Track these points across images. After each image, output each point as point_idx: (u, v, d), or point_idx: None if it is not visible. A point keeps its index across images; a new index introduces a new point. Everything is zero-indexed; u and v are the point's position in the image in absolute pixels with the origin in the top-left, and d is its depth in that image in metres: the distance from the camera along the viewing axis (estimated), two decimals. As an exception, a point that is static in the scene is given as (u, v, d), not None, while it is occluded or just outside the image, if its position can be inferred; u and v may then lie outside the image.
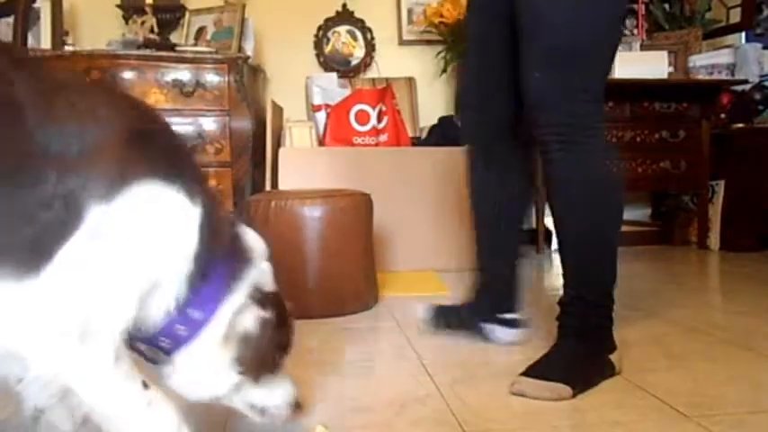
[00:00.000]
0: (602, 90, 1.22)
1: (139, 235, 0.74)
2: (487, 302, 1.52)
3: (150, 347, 0.84)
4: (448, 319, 1.55)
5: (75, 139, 0.70)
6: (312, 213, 1.79)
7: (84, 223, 0.70)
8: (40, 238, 0.68)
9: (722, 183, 3.16)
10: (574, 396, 1.13)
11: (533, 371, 1.18)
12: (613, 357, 1.24)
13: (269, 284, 0.95)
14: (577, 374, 1.17)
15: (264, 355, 0.90)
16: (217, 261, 0.83)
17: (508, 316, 1.50)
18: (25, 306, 0.68)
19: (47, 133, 0.68)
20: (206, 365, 0.85)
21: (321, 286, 1.80)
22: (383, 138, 2.75)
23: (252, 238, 0.93)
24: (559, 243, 1.32)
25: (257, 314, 0.88)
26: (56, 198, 0.68)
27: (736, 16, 3.29)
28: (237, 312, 0.86)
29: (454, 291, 2.16)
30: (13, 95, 0.68)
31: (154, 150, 0.77)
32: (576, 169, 1.21)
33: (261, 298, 0.90)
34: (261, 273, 0.93)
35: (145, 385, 0.77)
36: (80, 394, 0.73)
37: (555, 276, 2.48)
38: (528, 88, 1.22)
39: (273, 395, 0.94)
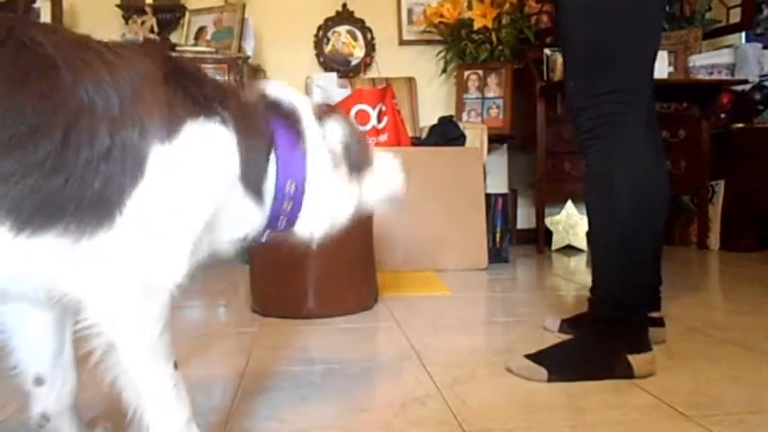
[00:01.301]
0: (640, 85, 1.26)
1: (198, 173, 0.77)
2: None
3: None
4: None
5: (114, 90, 0.71)
6: (312, 213, 1.79)
7: (146, 171, 0.72)
8: (105, 192, 0.70)
9: (722, 183, 3.16)
10: (549, 381, 1.19)
11: (534, 353, 1.25)
12: (635, 358, 1.22)
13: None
14: (564, 363, 1.21)
15: (364, 150, 1.00)
16: (267, 145, 0.85)
17: (654, 315, 1.47)
18: (97, 257, 0.71)
19: (88, 89, 0.69)
20: (330, 199, 0.95)
21: (321, 286, 1.80)
22: (383, 138, 2.75)
23: (286, 98, 0.92)
24: (591, 236, 1.33)
25: (336, 129, 0.93)
26: (113, 150, 0.69)
27: (736, 16, 3.29)
28: (322, 145, 0.91)
29: (454, 291, 2.16)
30: (48, 57, 0.68)
31: (187, 86, 0.78)
32: (611, 164, 1.24)
33: (327, 119, 0.94)
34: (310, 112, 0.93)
35: (175, 365, 0.80)
36: (123, 351, 0.75)
37: (555, 276, 2.48)
38: (567, 95, 1.31)
39: (386, 180, 1.08)
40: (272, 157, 0.86)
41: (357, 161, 0.97)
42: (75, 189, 0.67)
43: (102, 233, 0.71)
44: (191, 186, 0.77)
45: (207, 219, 0.80)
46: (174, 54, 0.83)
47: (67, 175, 0.67)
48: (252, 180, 0.84)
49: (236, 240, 0.90)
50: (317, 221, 0.97)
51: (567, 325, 1.55)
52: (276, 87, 0.92)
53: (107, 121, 0.69)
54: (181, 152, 0.75)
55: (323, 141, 0.91)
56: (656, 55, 1.29)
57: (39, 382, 0.89)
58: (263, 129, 0.86)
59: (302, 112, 0.91)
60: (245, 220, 0.87)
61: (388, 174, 1.08)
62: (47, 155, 0.65)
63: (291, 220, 0.93)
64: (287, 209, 0.90)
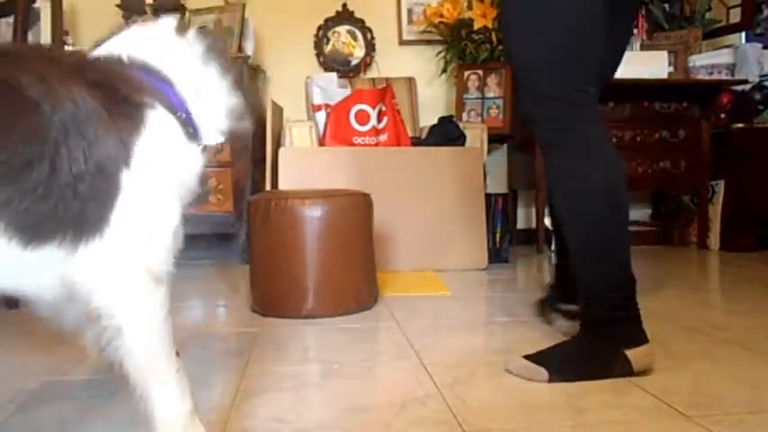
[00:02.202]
0: (577, 93, 1.29)
1: (162, 169, 0.91)
2: (558, 293, 1.62)
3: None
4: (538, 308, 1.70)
5: (82, 116, 0.80)
6: (312, 213, 1.79)
7: (122, 185, 0.83)
8: (88, 209, 0.81)
9: (722, 183, 3.16)
10: (550, 381, 1.20)
11: (533, 354, 1.26)
12: (633, 353, 1.23)
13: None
14: (563, 363, 1.23)
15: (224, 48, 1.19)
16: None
17: (571, 307, 1.51)
18: (98, 257, 0.82)
19: (64, 121, 0.78)
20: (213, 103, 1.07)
21: (321, 286, 1.80)
22: (383, 138, 2.75)
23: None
24: (569, 241, 1.35)
25: (195, 47, 1.06)
26: (88, 172, 0.80)
27: (736, 16, 3.29)
28: (192, 71, 1.04)
29: (454, 291, 2.16)
30: (30, 98, 0.77)
31: (115, 92, 0.88)
32: (560, 168, 1.29)
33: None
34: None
35: (177, 354, 0.89)
36: (129, 334, 0.84)
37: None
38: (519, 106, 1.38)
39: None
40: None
41: (222, 55, 1.11)
42: (62, 210, 0.78)
43: (98, 239, 0.82)
44: (161, 185, 0.90)
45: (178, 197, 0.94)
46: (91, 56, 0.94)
47: (55, 199, 0.77)
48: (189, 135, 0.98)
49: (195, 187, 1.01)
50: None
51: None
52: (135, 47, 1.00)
53: (81, 147, 0.79)
54: (143, 158, 0.86)
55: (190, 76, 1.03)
56: (599, 49, 1.31)
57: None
58: (155, 90, 0.95)
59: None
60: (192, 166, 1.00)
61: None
62: (37, 184, 0.76)
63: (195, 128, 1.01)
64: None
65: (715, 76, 3.12)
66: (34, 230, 0.77)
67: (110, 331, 0.84)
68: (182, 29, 1.07)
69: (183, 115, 0.97)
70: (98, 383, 1.25)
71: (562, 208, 1.32)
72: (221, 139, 1.12)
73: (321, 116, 2.82)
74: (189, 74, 1.02)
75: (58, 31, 2.95)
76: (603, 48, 1.32)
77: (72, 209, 0.79)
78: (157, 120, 0.91)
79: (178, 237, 0.92)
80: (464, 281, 2.36)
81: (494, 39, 3.16)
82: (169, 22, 1.08)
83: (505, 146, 3.39)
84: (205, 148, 1.05)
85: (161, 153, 0.91)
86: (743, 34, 3.42)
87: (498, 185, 3.24)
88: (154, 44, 1.02)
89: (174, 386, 0.88)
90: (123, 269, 0.84)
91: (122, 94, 0.88)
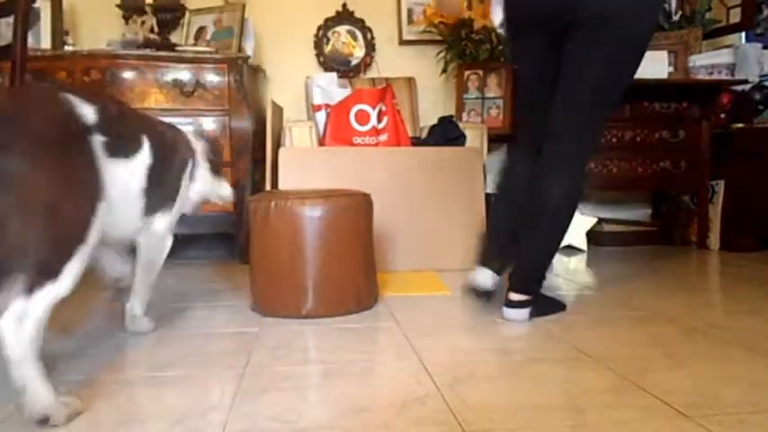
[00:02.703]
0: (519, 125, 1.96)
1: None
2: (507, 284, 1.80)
3: None
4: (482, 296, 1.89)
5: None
6: (312, 213, 1.79)
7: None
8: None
9: (722, 183, 3.16)
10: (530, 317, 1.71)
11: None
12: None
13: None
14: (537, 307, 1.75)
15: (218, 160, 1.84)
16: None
17: (518, 297, 1.75)
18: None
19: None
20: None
21: (321, 286, 1.80)
22: (383, 138, 2.75)
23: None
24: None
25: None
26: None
27: (736, 16, 3.29)
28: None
29: (454, 291, 2.16)
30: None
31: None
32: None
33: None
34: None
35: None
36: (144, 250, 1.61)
37: (555, 276, 2.48)
38: None
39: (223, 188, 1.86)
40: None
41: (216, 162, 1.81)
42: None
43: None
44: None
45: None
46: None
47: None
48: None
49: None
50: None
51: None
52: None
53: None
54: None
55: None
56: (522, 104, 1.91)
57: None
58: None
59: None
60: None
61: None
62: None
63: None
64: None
65: (715, 76, 3.12)
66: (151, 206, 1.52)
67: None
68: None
69: None
70: (98, 383, 1.25)
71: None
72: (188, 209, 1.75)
73: (321, 116, 2.82)
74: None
75: (58, 31, 2.96)
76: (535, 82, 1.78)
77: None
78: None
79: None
80: (464, 281, 2.36)
81: (494, 39, 3.16)
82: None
83: (505, 146, 3.39)
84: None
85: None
86: (743, 34, 3.42)
87: (498, 185, 3.23)
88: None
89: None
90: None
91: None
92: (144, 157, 1.40)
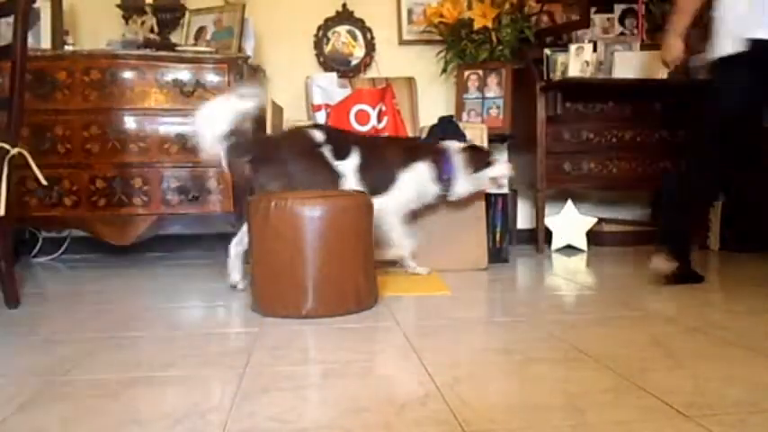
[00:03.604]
0: None
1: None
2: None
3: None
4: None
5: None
6: (312, 213, 1.79)
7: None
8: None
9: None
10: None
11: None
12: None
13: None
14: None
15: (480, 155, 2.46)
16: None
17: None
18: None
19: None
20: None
21: (321, 286, 1.80)
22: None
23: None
24: None
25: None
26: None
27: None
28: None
29: (454, 291, 2.16)
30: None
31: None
32: None
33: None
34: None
35: None
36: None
37: (555, 276, 2.48)
38: None
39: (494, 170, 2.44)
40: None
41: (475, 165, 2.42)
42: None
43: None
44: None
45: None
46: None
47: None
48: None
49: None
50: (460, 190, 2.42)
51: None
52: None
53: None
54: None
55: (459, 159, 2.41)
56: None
57: None
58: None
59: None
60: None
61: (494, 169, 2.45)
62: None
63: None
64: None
65: (715, 76, 3.12)
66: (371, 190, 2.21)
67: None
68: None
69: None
70: (98, 383, 1.25)
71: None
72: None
73: (321, 116, 2.82)
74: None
75: (58, 31, 2.96)
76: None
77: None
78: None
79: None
80: (464, 281, 2.36)
81: (494, 39, 3.16)
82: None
83: (505, 146, 3.39)
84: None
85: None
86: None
87: (498, 185, 3.23)
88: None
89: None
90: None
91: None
92: (353, 158, 2.26)
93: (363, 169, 2.28)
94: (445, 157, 2.39)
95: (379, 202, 2.19)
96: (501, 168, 2.45)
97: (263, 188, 2.10)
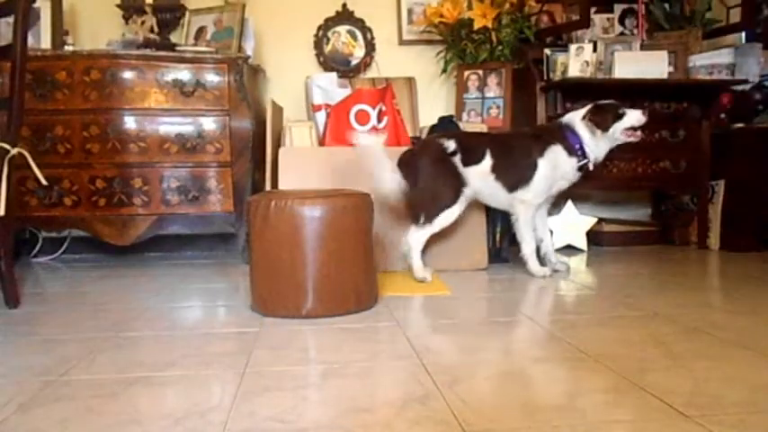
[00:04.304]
0: None
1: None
2: None
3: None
4: None
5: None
6: (312, 213, 1.79)
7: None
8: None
9: (722, 183, 3.16)
10: None
11: None
12: None
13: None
14: None
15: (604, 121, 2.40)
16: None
17: None
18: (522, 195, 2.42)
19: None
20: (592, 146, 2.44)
21: (321, 286, 1.80)
22: (383, 138, 2.75)
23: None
24: None
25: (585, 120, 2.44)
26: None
27: (736, 16, 3.29)
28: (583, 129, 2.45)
29: (454, 291, 2.16)
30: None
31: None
32: None
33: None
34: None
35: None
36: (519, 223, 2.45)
37: (554, 276, 2.47)
38: None
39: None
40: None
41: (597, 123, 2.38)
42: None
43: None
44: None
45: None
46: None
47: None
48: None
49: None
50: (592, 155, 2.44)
51: None
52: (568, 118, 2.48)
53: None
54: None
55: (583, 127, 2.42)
56: None
57: (540, 241, 2.54)
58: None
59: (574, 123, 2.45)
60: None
61: (628, 119, 2.39)
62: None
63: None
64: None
65: (715, 76, 3.12)
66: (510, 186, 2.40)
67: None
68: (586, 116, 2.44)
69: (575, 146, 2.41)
70: (98, 383, 1.25)
71: None
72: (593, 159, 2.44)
73: (321, 116, 2.82)
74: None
75: (58, 31, 2.96)
76: None
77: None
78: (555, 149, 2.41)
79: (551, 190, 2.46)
80: (464, 281, 2.36)
81: (494, 39, 3.16)
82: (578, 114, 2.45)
83: (505, 146, 3.39)
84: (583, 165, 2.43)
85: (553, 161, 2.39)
86: (743, 34, 3.42)
87: (498, 185, 3.22)
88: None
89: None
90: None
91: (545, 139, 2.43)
92: (486, 160, 2.37)
93: (499, 168, 2.37)
94: (568, 130, 2.40)
95: (522, 194, 2.39)
96: (633, 116, 2.36)
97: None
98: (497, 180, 2.38)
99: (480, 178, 2.37)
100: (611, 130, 2.37)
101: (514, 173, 2.38)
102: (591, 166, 2.44)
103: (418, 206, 2.35)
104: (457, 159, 2.34)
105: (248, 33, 3.04)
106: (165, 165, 2.77)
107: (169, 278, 2.53)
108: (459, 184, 2.34)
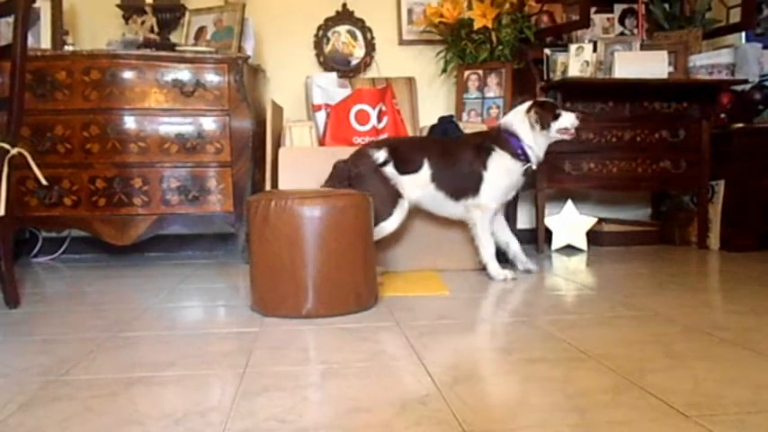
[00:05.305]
0: None
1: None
2: None
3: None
4: None
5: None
6: (312, 213, 1.79)
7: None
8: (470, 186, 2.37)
9: (722, 183, 3.16)
10: None
11: None
12: None
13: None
14: None
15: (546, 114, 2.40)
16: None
17: None
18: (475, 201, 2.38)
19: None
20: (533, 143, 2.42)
21: (321, 286, 1.80)
22: (383, 137, 2.75)
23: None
24: None
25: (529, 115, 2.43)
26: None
27: (736, 16, 3.29)
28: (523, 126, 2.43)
29: (454, 291, 2.16)
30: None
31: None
32: None
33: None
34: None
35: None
36: (477, 229, 2.40)
37: (555, 276, 2.48)
38: None
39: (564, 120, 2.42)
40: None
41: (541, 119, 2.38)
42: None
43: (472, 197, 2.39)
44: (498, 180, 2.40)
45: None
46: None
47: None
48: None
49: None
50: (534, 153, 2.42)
51: None
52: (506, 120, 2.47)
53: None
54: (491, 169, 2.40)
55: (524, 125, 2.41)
56: None
57: (506, 245, 2.55)
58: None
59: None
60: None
61: (564, 120, 2.41)
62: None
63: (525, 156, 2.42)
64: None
65: (715, 76, 3.12)
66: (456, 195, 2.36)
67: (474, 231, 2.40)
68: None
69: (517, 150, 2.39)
70: (98, 383, 1.25)
71: None
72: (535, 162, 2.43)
73: (321, 116, 2.82)
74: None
75: (58, 31, 2.96)
76: None
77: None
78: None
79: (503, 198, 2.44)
80: (464, 281, 2.36)
81: (494, 39, 3.16)
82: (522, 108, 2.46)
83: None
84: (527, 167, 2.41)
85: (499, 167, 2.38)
86: (743, 34, 3.42)
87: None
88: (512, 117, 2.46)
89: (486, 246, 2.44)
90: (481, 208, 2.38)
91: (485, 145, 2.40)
92: (425, 169, 2.33)
93: (439, 178, 2.33)
94: (508, 133, 2.40)
95: (476, 200, 2.37)
96: (568, 118, 2.40)
97: None
98: (439, 189, 2.34)
99: (419, 187, 2.32)
100: (548, 129, 2.39)
101: (459, 181, 2.35)
102: (534, 167, 2.44)
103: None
104: (389, 169, 2.28)
105: (248, 33, 3.04)
106: (165, 165, 2.77)
107: (169, 278, 2.53)
108: (393, 195, 2.27)
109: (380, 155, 2.29)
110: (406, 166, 2.31)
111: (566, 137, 2.44)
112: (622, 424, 1.02)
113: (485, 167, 2.36)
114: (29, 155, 2.02)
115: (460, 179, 2.35)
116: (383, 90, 2.81)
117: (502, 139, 2.40)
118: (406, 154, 2.32)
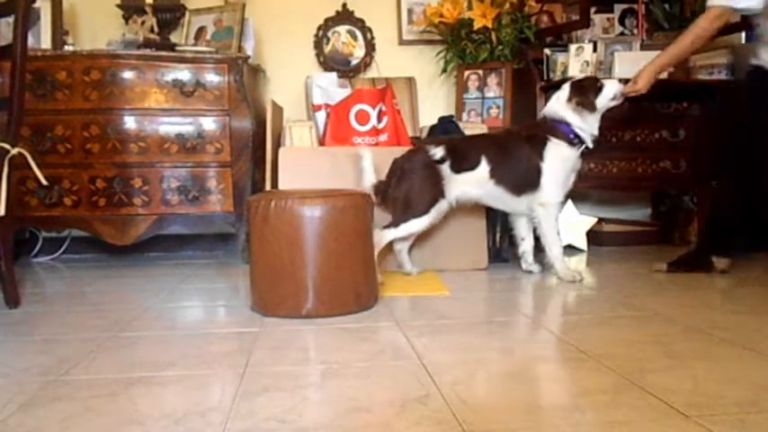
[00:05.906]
0: None
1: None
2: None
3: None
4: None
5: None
6: (312, 213, 1.79)
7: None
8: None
9: (722, 183, 3.15)
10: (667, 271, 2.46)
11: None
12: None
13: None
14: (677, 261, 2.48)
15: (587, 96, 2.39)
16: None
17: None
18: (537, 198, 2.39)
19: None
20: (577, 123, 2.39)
21: (321, 286, 1.80)
22: (383, 138, 2.75)
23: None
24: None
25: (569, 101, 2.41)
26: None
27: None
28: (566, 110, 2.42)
29: (454, 291, 2.16)
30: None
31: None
32: None
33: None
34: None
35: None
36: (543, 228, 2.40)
37: (554, 276, 2.47)
38: None
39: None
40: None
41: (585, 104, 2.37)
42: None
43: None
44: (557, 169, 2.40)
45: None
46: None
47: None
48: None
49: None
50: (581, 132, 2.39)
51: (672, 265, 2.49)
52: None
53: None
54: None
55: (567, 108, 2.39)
56: None
57: (522, 240, 2.55)
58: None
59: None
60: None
61: (608, 89, 2.38)
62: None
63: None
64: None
65: (715, 76, 3.12)
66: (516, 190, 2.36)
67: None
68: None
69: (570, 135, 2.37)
70: (98, 383, 1.25)
71: None
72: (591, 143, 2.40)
73: (321, 116, 2.82)
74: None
75: (58, 31, 2.96)
76: None
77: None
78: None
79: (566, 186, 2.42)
80: (464, 281, 2.36)
81: (494, 39, 3.16)
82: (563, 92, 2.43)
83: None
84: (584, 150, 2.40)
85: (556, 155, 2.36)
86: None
87: (498, 185, 3.22)
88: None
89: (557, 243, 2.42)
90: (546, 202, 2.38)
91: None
92: (483, 166, 2.34)
93: (499, 174, 2.34)
94: (556, 121, 2.38)
95: (539, 201, 2.37)
96: (611, 88, 2.36)
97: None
98: (498, 185, 2.35)
99: (478, 184, 2.34)
100: (596, 106, 2.36)
101: (519, 176, 2.35)
102: (591, 146, 2.41)
103: (392, 209, 2.33)
104: (444, 167, 2.31)
105: (248, 33, 3.04)
106: (165, 165, 2.77)
107: (169, 278, 2.53)
108: (436, 194, 2.29)
109: (438, 151, 2.31)
110: (463, 164, 2.32)
111: (616, 103, 2.41)
112: (622, 424, 1.02)
113: (542, 159, 2.35)
114: (29, 155, 2.02)
115: (519, 173, 2.35)
116: (383, 90, 2.81)
117: (553, 127, 2.38)
118: (463, 151, 2.34)
